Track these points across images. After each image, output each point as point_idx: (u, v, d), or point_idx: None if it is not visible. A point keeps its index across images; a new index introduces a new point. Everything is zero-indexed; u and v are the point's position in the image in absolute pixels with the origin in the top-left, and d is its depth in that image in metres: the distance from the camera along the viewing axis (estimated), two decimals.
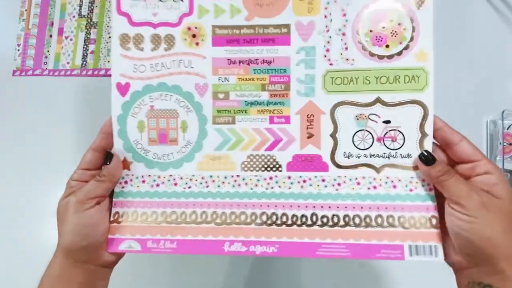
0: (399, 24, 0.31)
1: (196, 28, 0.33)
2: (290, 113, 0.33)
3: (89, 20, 0.58)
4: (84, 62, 0.57)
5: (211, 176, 0.33)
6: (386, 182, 0.31)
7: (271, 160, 0.32)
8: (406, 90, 0.31)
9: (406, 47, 0.31)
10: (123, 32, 0.33)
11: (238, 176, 0.33)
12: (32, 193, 0.55)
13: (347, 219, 0.31)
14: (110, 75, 0.56)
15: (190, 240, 0.32)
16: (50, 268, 0.31)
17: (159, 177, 0.33)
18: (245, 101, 0.33)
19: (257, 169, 0.32)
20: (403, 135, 0.31)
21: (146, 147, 0.33)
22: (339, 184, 0.32)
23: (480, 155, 0.28)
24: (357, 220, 0.31)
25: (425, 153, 0.30)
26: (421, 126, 0.31)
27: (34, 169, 0.56)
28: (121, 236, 0.32)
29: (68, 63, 0.57)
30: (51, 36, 0.59)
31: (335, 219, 0.31)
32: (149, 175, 0.33)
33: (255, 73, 0.33)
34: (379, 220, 0.31)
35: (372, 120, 0.32)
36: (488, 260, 0.26)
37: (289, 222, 0.32)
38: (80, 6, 0.58)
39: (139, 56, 0.33)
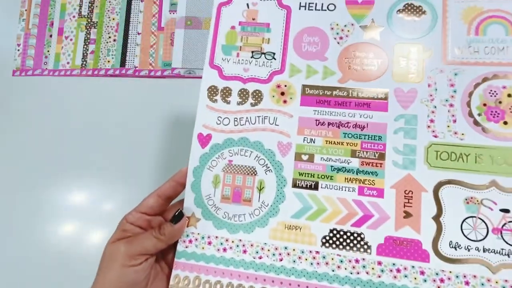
0: None
1: (285, 86, 0.32)
2: (384, 186, 0.28)
3: (89, 20, 0.57)
4: (84, 62, 0.56)
5: (286, 248, 0.29)
6: (504, 287, 0.25)
7: (359, 238, 0.28)
8: None
9: None
10: (212, 84, 0.32)
11: (317, 252, 0.28)
12: (31, 193, 0.54)
13: None
14: (110, 75, 0.55)
15: None
16: None
17: (227, 240, 0.29)
18: (332, 166, 0.30)
19: (341, 247, 0.28)
20: None
21: (218, 204, 0.30)
22: (441, 281, 0.26)
23: None
24: None
25: None
26: None
27: (34, 169, 0.55)
28: None
29: (68, 63, 0.57)
30: (51, 36, 0.58)
31: None
32: (217, 237, 0.30)
33: (345, 137, 0.30)
34: None
35: (486, 206, 0.27)
36: None
37: None
38: (80, 6, 0.58)
39: (224, 109, 0.32)
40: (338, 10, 0.32)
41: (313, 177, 0.30)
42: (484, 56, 0.29)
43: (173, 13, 0.55)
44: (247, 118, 0.31)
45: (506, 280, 0.25)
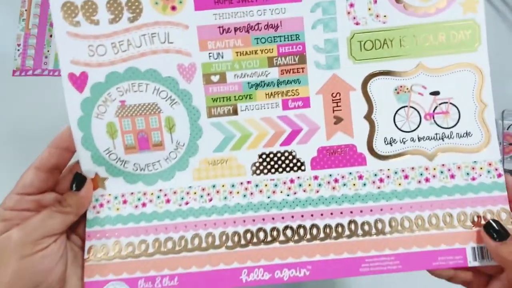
0: None
1: None
2: (310, 94, 0.25)
3: None
4: None
5: (214, 186, 0.25)
6: (442, 172, 0.25)
7: (290, 157, 0.25)
8: (454, 50, 0.24)
9: None
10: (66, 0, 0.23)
11: (249, 182, 0.25)
12: None
13: (394, 223, 0.24)
14: None
15: (196, 272, 0.24)
16: None
17: (145, 194, 0.25)
18: (248, 82, 0.25)
19: (273, 170, 0.25)
20: (457, 108, 0.24)
21: (123, 157, 0.24)
22: (381, 180, 0.25)
23: None
24: (406, 224, 0.24)
25: (494, 224, 0.23)
26: (479, 94, 0.24)
27: None
28: (102, 277, 0.24)
29: None
30: (51, 36, 0.57)
31: (380, 225, 0.25)
32: (132, 193, 0.25)
33: (257, 43, 0.24)
34: (433, 220, 0.24)
35: (416, 92, 0.24)
36: None
37: (322, 235, 0.25)
38: None
39: (94, 33, 0.23)
40: None
41: (230, 100, 0.25)
42: None
43: None
44: (128, 40, 0.24)
45: (443, 165, 0.25)
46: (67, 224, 0.23)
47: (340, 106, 0.25)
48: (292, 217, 0.25)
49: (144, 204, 0.25)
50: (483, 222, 0.24)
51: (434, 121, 0.24)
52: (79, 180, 0.24)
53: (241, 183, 0.25)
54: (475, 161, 0.24)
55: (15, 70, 0.57)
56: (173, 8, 0.24)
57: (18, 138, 0.55)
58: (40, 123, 0.55)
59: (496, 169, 0.24)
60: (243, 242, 0.24)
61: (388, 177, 0.25)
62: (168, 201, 0.25)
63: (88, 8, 0.23)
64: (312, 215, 0.25)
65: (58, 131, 0.56)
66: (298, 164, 0.25)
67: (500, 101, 0.53)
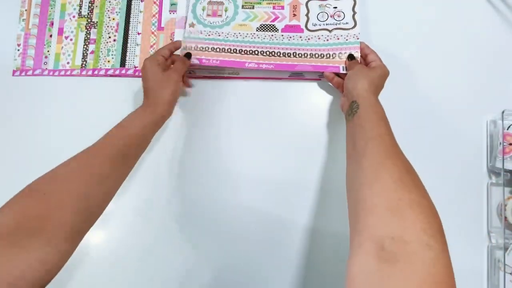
0: None
1: None
2: (284, 4, 0.60)
3: (89, 20, 0.57)
4: (84, 62, 0.57)
5: (240, 33, 0.59)
6: (335, 36, 0.58)
7: (272, 26, 0.59)
8: None
9: None
10: None
11: (254, 33, 0.59)
12: None
13: (317, 55, 0.57)
14: (110, 75, 0.59)
15: (227, 60, 0.57)
16: (156, 113, 0.48)
17: (210, 30, 0.60)
18: None
19: (265, 30, 0.59)
20: (344, 14, 0.59)
21: (205, 17, 0.60)
22: (309, 39, 0.58)
23: (376, 57, 0.53)
24: (319, 56, 0.57)
25: (350, 55, 0.56)
26: (353, 9, 0.58)
27: (33, 169, 0.51)
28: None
29: (68, 63, 0.57)
30: (51, 36, 0.57)
31: (308, 56, 0.57)
32: (205, 30, 0.60)
33: None
34: (331, 54, 0.57)
35: (328, 6, 0.59)
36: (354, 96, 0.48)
37: (280, 55, 0.57)
38: (80, 6, 0.58)
39: None
40: None
41: (252, 3, 0.61)
42: None
43: (173, 13, 0.58)
44: None
45: (335, 35, 0.58)
46: (185, 70, 0.57)
47: (296, 10, 0.60)
48: (269, 47, 0.58)
49: (209, 35, 0.59)
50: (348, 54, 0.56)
51: (334, 18, 0.58)
52: (188, 55, 0.58)
53: (252, 34, 0.59)
54: (348, 34, 0.57)
55: (15, 70, 0.57)
56: None
57: (17, 137, 0.55)
58: (39, 123, 0.56)
59: (358, 38, 0.56)
60: (248, 53, 0.57)
61: (312, 38, 0.58)
62: (219, 35, 0.59)
63: None
64: (278, 48, 0.58)
65: (61, 128, 0.59)
66: (276, 29, 0.59)
67: (500, 101, 0.50)
